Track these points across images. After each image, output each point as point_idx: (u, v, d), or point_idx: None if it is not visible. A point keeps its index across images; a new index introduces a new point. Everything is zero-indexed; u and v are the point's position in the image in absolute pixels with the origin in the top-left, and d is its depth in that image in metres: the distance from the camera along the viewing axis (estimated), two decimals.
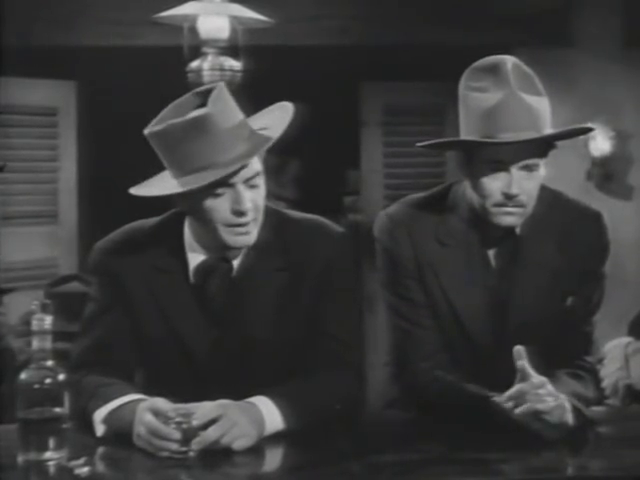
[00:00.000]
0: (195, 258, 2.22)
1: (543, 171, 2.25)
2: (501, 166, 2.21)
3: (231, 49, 4.24)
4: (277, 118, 2.19)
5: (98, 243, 2.30)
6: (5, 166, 4.36)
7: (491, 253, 2.34)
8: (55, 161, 5.72)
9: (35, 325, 1.93)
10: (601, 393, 2.62)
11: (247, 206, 2.10)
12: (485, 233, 2.32)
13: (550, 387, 2.09)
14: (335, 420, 2.14)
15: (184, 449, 1.95)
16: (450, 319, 2.34)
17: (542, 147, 2.22)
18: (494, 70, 2.21)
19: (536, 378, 2.07)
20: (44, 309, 1.96)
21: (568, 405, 2.10)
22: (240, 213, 2.10)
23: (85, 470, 1.86)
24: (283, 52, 5.12)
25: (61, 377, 1.92)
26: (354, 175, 6.54)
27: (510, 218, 2.25)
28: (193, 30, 4.21)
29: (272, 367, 2.20)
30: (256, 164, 2.12)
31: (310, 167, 6.76)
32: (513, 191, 2.21)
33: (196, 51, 4.24)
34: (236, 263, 2.22)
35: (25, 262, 5.43)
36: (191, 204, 2.14)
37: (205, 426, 1.96)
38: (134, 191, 2.14)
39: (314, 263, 2.23)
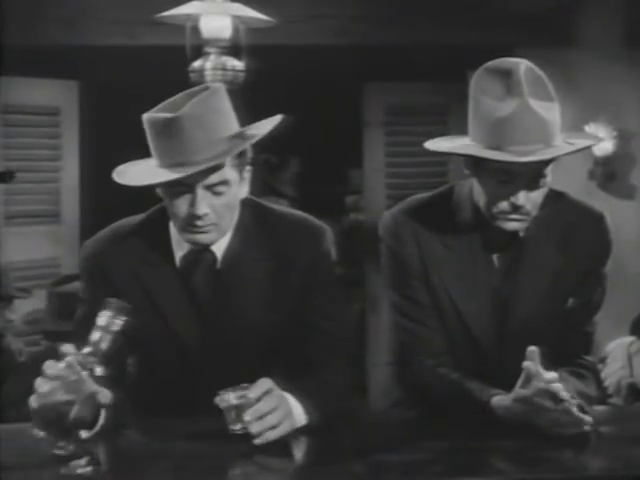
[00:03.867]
0: (180, 250, 2.26)
1: (549, 178, 2.25)
2: (510, 177, 2.21)
3: (233, 49, 4.24)
4: (262, 124, 2.22)
5: (86, 242, 2.34)
6: (14, 175, 4.37)
7: (494, 254, 2.34)
8: (57, 161, 5.72)
9: (102, 321, 1.93)
10: (603, 392, 2.62)
11: (202, 211, 2.13)
12: (489, 234, 2.32)
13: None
14: (342, 416, 2.17)
15: (239, 426, 1.99)
16: (454, 319, 2.34)
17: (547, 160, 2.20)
18: (507, 75, 2.17)
19: (547, 373, 2.06)
20: (118, 310, 1.96)
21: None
22: (194, 216, 2.14)
23: (88, 470, 1.86)
24: (285, 52, 5.12)
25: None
26: (356, 175, 6.54)
27: (515, 224, 2.26)
28: (195, 30, 4.21)
29: (261, 357, 2.22)
30: (225, 172, 2.14)
31: (312, 167, 6.76)
32: (520, 202, 2.21)
33: (198, 51, 4.24)
34: (220, 255, 2.25)
35: (27, 262, 5.43)
36: (164, 197, 2.20)
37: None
38: (117, 174, 2.18)
39: (299, 258, 2.27)
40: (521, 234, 2.32)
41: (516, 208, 2.22)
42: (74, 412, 1.88)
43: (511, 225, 2.26)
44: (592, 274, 2.38)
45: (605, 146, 5.33)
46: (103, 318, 1.93)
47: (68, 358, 1.89)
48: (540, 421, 2.06)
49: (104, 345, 1.93)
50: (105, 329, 1.92)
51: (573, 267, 2.34)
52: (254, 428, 1.99)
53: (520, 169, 2.18)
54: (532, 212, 2.25)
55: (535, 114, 2.15)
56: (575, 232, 2.35)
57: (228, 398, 2.00)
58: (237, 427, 2.02)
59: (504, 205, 2.23)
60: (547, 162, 2.20)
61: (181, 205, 2.14)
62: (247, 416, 1.98)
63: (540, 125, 2.16)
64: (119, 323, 1.93)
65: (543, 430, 2.06)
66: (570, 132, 2.29)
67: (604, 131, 5.31)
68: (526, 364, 2.07)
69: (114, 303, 1.95)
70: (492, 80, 2.19)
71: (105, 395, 1.91)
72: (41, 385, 1.87)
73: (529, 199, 2.22)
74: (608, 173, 5.45)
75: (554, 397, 2.04)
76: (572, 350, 2.34)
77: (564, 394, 2.04)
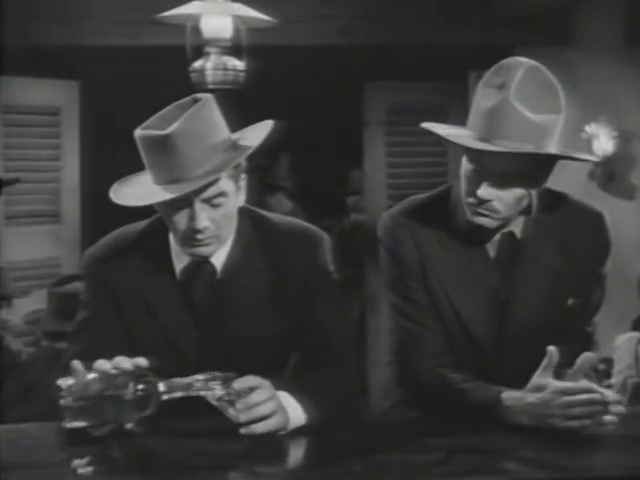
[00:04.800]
0: (180, 261, 2.27)
1: (534, 184, 2.24)
2: (480, 169, 2.21)
3: (234, 49, 4.24)
4: (253, 130, 2.23)
5: (88, 249, 2.35)
6: (18, 180, 4.38)
7: (492, 255, 2.34)
8: (58, 160, 5.72)
9: (207, 379, 1.98)
10: None
11: (202, 224, 2.14)
12: (486, 235, 2.32)
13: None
14: (342, 416, 2.18)
15: (234, 413, 2.00)
16: (453, 320, 2.34)
17: (529, 161, 2.18)
18: (508, 71, 2.17)
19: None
20: (226, 380, 2.00)
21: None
22: (194, 230, 2.14)
23: (88, 470, 1.86)
24: (286, 52, 5.12)
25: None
26: (357, 175, 6.55)
27: (481, 219, 2.25)
28: (196, 29, 4.21)
29: (261, 365, 2.21)
30: (222, 184, 2.15)
31: (313, 167, 6.76)
32: (483, 196, 2.20)
33: (199, 51, 4.24)
34: (220, 265, 2.26)
35: (28, 262, 5.43)
36: (162, 212, 2.21)
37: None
38: (113, 192, 2.19)
39: (297, 267, 2.28)
40: (518, 235, 2.33)
41: (481, 202, 2.22)
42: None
43: (478, 219, 2.25)
44: (591, 274, 2.37)
45: (606, 146, 5.33)
46: (217, 386, 1.98)
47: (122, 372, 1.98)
48: (553, 411, 2.06)
49: (185, 393, 1.98)
50: (201, 386, 1.98)
51: (572, 267, 2.34)
52: (243, 417, 2.00)
53: (488, 163, 2.18)
54: (502, 212, 2.24)
55: (516, 111, 2.13)
56: (574, 232, 2.35)
57: (214, 392, 2.01)
58: (234, 415, 2.01)
59: (471, 197, 2.23)
60: (524, 164, 2.18)
61: (180, 220, 2.15)
62: (238, 405, 2.00)
63: (523, 124, 2.14)
64: (218, 392, 1.99)
65: (550, 424, 2.06)
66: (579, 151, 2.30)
67: (604, 131, 5.31)
68: (551, 349, 2.08)
69: (226, 375, 2.00)
70: (497, 74, 2.20)
71: (130, 424, 2.01)
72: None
73: (497, 197, 2.21)
74: (608, 173, 5.45)
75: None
76: (573, 351, 2.33)
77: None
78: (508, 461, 1.98)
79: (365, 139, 5.99)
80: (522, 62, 2.19)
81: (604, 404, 2.06)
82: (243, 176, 2.23)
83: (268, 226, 2.33)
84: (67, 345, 2.33)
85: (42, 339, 4.02)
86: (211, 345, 2.25)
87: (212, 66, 4.20)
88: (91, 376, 1.98)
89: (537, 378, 2.10)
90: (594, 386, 2.07)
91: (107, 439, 2.01)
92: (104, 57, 5.36)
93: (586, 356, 2.09)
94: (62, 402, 1.95)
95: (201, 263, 2.25)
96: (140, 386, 1.97)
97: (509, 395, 2.14)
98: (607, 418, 2.05)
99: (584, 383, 2.08)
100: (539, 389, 2.09)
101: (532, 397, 2.09)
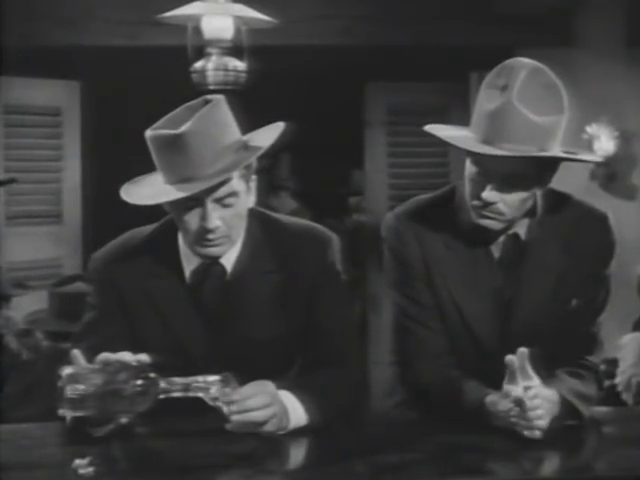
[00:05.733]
0: (189, 263, 2.27)
1: (537, 184, 2.24)
2: (483, 172, 2.21)
3: (235, 49, 4.24)
4: (263, 132, 2.23)
5: (96, 253, 2.35)
6: (15, 180, 4.38)
7: (496, 255, 2.34)
8: (59, 161, 5.73)
9: (209, 380, 1.98)
10: (606, 392, 2.61)
11: (213, 224, 2.14)
12: (490, 235, 2.31)
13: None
14: (344, 417, 2.18)
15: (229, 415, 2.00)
16: (456, 320, 2.33)
17: (533, 163, 2.18)
18: (510, 73, 2.17)
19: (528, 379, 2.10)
20: (227, 381, 2.00)
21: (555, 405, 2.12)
22: (206, 230, 2.14)
23: (90, 470, 1.86)
24: (287, 52, 5.13)
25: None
26: (358, 175, 6.55)
27: (487, 221, 2.25)
28: (197, 30, 4.21)
29: (269, 366, 2.22)
30: (233, 184, 2.15)
31: (314, 168, 6.76)
32: (488, 199, 2.20)
33: (200, 51, 4.24)
34: (230, 266, 2.26)
35: (29, 262, 5.43)
36: (173, 213, 2.21)
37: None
38: (124, 192, 2.18)
39: (306, 268, 2.27)
40: (522, 235, 2.32)
41: (486, 204, 2.22)
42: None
43: (483, 221, 2.25)
44: (596, 275, 2.37)
45: (607, 146, 5.33)
46: (215, 386, 1.98)
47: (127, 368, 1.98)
48: (515, 419, 2.08)
49: (183, 394, 1.98)
50: (200, 387, 1.98)
51: (577, 268, 2.33)
52: (234, 417, 2.01)
53: (492, 165, 2.18)
54: (507, 214, 2.24)
55: (519, 113, 2.13)
56: (578, 233, 2.35)
57: (212, 393, 2.01)
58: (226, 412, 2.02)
59: (476, 199, 2.23)
60: (526, 166, 2.18)
61: (191, 220, 2.15)
62: (233, 407, 2.00)
63: (526, 126, 2.13)
64: (215, 393, 1.99)
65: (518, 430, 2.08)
66: (582, 150, 2.29)
67: (605, 131, 5.31)
68: (508, 358, 2.09)
69: (224, 376, 2.00)
70: (499, 75, 2.19)
71: (126, 419, 2.01)
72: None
73: (502, 199, 2.21)
74: (609, 173, 5.45)
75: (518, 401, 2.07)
76: (574, 351, 2.33)
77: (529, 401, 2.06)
78: (508, 461, 1.98)
79: (366, 139, 6.00)
80: (525, 63, 2.19)
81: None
82: (253, 177, 2.24)
83: (277, 227, 2.33)
84: (71, 345, 2.32)
85: (43, 339, 4.02)
86: (219, 346, 2.25)
87: (213, 67, 4.21)
88: (93, 367, 1.98)
89: (505, 385, 2.11)
90: (522, 398, 2.07)
91: (108, 439, 2.01)
92: (105, 57, 5.36)
93: (513, 356, 2.10)
94: (60, 390, 1.94)
95: (211, 264, 2.25)
96: (139, 382, 1.97)
97: (490, 399, 2.15)
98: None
99: (517, 395, 2.07)
100: (506, 396, 2.10)
101: (502, 404, 2.10)
